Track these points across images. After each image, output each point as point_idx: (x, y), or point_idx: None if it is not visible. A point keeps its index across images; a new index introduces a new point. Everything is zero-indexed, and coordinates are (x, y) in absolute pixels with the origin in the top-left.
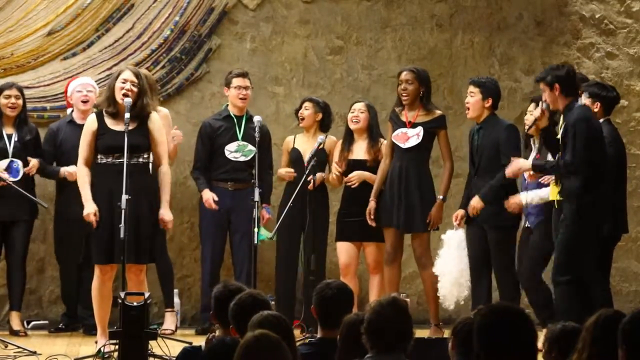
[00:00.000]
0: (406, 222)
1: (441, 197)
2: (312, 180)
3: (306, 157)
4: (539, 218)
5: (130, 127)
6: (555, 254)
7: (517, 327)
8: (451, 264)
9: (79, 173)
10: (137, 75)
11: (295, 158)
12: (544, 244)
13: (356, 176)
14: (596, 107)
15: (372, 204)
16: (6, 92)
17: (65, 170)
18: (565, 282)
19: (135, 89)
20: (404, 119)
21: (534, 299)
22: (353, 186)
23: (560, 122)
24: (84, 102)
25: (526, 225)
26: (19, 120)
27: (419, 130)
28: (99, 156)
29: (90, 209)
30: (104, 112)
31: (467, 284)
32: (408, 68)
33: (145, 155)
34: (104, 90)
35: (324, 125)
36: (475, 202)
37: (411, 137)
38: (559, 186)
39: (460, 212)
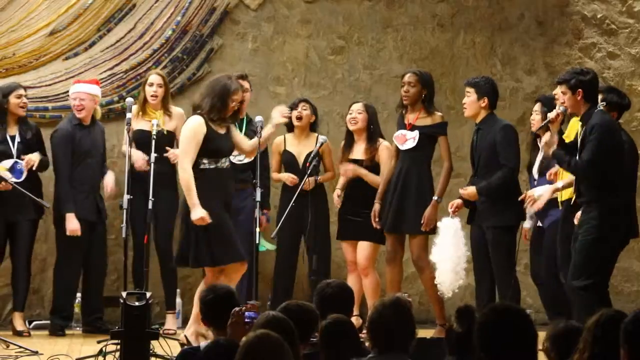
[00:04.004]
0: (394, 223)
1: (436, 197)
2: (313, 181)
3: (301, 159)
4: (553, 218)
5: (224, 131)
6: (574, 257)
7: (518, 327)
8: (448, 252)
9: (189, 175)
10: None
11: (289, 161)
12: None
13: (350, 169)
14: (613, 116)
15: (376, 205)
16: (17, 92)
17: (70, 219)
18: (583, 287)
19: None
20: (406, 120)
21: (544, 295)
22: (346, 176)
23: (579, 128)
24: (78, 110)
25: (538, 225)
26: (21, 120)
27: (416, 134)
28: (205, 160)
29: (202, 213)
30: (204, 115)
31: (463, 272)
32: (411, 70)
33: (229, 159)
34: (208, 95)
35: (314, 127)
36: (471, 190)
37: (408, 140)
38: (575, 190)
39: (457, 201)
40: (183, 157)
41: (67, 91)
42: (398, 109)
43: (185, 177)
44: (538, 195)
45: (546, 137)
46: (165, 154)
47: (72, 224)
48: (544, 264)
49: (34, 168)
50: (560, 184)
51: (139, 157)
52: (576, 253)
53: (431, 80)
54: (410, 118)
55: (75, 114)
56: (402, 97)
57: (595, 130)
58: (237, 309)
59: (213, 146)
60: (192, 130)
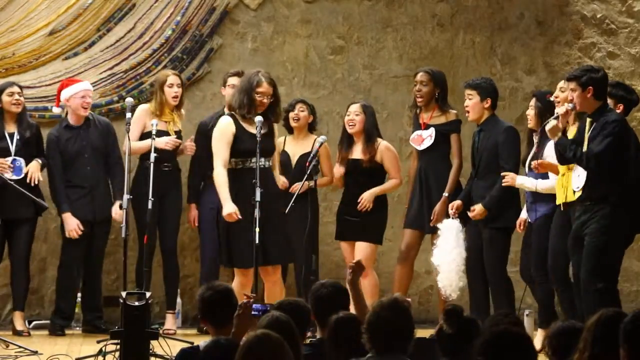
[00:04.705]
0: (426, 224)
1: (446, 194)
2: (312, 182)
3: (294, 160)
4: (539, 213)
5: (263, 131)
6: (587, 258)
7: (519, 352)
8: (451, 254)
9: (219, 175)
10: (274, 85)
11: (283, 161)
12: (545, 239)
13: (367, 199)
14: (618, 109)
15: (407, 211)
16: (8, 90)
17: (67, 219)
18: (602, 289)
19: (269, 100)
20: (420, 120)
21: (538, 296)
22: (369, 209)
23: (587, 125)
24: (85, 108)
25: (528, 221)
26: (20, 118)
27: (432, 131)
28: (232, 160)
29: (231, 208)
30: (236, 115)
31: (463, 273)
32: (423, 69)
33: (271, 160)
34: (237, 92)
35: (312, 127)
36: (479, 209)
37: (425, 139)
38: (581, 192)
39: (457, 202)
40: (214, 158)
41: (59, 92)
42: (412, 108)
43: (215, 177)
44: (519, 183)
45: (552, 123)
46: (187, 144)
47: (69, 224)
48: (532, 261)
49: (38, 180)
50: (539, 185)
51: (163, 140)
52: (589, 254)
53: (444, 79)
54: (424, 117)
55: (81, 112)
56: (415, 97)
57: (612, 126)
58: (245, 300)
59: (240, 146)
60: (219, 131)
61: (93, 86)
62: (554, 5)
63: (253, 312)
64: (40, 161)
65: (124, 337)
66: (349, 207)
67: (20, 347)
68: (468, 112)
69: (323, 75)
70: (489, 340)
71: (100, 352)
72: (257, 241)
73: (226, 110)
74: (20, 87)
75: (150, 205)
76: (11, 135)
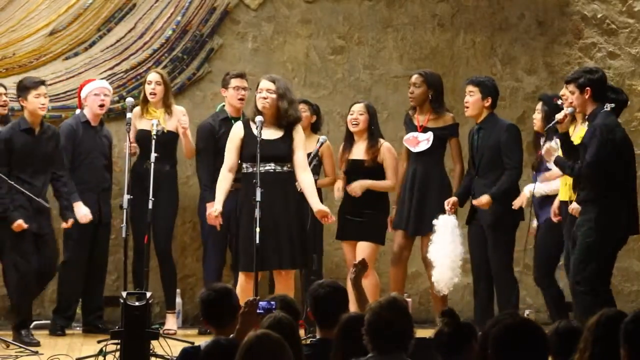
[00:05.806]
0: (416, 225)
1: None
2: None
3: None
4: (543, 219)
5: (275, 136)
6: (575, 260)
7: (532, 343)
8: (446, 250)
9: (220, 178)
10: (273, 81)
11: None
12: (552, 241)
13: (356, 186)
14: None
15: (393, 211)
16: None
17: (78, 206)
18: (587, 291)
19: (272, 96)
20: (415, 122)
21: (546, 299)
22: (357, 196)
23: (586, 127)
24: (101, 106)
25: (538, 224)
26: (5, 121)
27: (429, 135)
28: (244, 165)
29: (214, 211)
30: (249, 121)
31: (459, 270)
32: (418, 71)
33: (289, 165)
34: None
35: (316, 127)
36: (486, 198)
37: (421, 142)
38: (575, 193)
39: (453, 198)
40: (224, 160)
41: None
42: (410, 110)
43: (219, 179)
44: (527, 197)
45: (546, 145)
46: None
47: (82, 210)
48: (535, 263)
49: None
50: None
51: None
52: (577, 256)
53: (439, 81)
54: (420, 120)
55: (97, 111)
56: (409, 98)
57: (596, 132)
58: (250, 298)
59: (245, 150)
60: (229, 136)
61: None
62: (555, 5)
63: (258, 310)
64: None
65: (124, 337)
66: (351, 207)
67: (20, 347)
68: (467, 107)
69: (323, 75)
70: (501, 330)
71: (100, 352)
72: (257, 241)
73: (227, 109)
74: (5, 88)
75: (150, 205)
76: None
